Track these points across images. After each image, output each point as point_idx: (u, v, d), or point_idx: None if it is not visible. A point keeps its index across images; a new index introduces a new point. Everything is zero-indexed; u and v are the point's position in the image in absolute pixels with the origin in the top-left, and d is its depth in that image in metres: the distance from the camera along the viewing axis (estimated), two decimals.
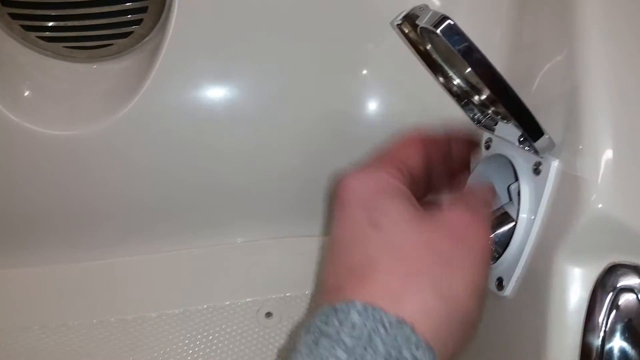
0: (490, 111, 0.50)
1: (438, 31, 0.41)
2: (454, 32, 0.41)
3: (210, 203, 0.67)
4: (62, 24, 0.62)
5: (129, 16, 0.62)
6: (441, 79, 0.52)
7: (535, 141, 0.45)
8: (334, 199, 0.39)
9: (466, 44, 0.41)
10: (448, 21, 0.41)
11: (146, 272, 0.68)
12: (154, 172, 0.64)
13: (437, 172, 0.45)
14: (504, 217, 0.51)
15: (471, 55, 0.42)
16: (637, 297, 0.41)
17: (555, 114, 0.47)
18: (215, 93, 0.64)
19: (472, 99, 0.51)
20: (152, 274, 0.68)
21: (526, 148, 0.47)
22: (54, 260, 0.69)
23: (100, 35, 0.63)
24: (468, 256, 0.37)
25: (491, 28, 0.61)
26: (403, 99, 0.63)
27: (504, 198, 0.52)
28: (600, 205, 0.41)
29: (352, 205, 0.38)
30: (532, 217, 0.47)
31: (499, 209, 0.52)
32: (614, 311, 0.41)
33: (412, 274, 0.35)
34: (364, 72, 0.64)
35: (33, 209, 0.67)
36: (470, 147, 0.51)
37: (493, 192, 0.48)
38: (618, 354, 0.41)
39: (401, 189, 0.39)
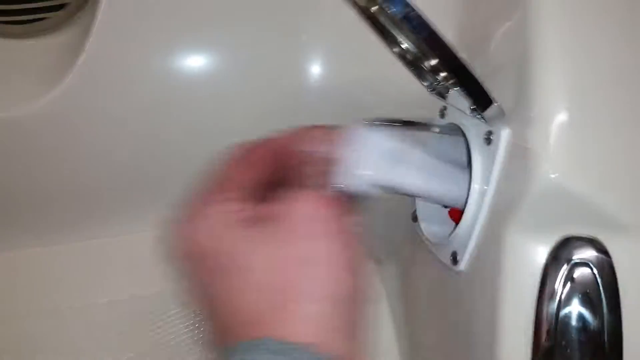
0: (440, 78, 0.47)
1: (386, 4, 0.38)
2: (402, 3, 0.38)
3: (153, 181, 0.64)
4: None
5: None
6: (390, 45, 0.50)
7: (484, 110, 0.43)
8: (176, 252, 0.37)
9: (409, 9, 0.38)
10: None
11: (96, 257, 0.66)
12: (96, 150, 0.62)
13: (288, 169, 0.41)
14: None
15: (414, 20, 0.39)
16: (592, 271, 0.39)
17: (506, 81, 0.45)
18: (151, 65, 0.61)
19: (423, 65, 0.49)
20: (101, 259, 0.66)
21: (477, 117, 0.45)
22: None
23: (32, 8, 0.59)
24: (318, 246, 0.35)
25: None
26: (349, 65, 0.60)
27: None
28: (552, 176, 0.40)
29: (200, 261, 0.36)
30: (485, 188, 0.45)
31: None
32: (568, 285, 0.40)
33: (282, 296, 0.33)
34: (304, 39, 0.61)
35: None
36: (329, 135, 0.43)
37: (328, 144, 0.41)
38: (573, 329, 0.39)
39: (237, 216, 0.36)
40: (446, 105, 0.52)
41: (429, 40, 0.39)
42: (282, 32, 0.62)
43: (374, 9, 0.47)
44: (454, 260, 0.47)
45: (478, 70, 0.48)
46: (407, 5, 0.38)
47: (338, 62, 0.61)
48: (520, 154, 0.42)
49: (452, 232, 0.47)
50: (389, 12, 0.39)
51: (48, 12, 0.59)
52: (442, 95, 0.50)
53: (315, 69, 0.61)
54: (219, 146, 0.61)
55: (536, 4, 0.45)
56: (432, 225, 0.53)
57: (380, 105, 0.60)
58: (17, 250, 0.67)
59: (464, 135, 0.48)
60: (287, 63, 0.63)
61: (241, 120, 0.63)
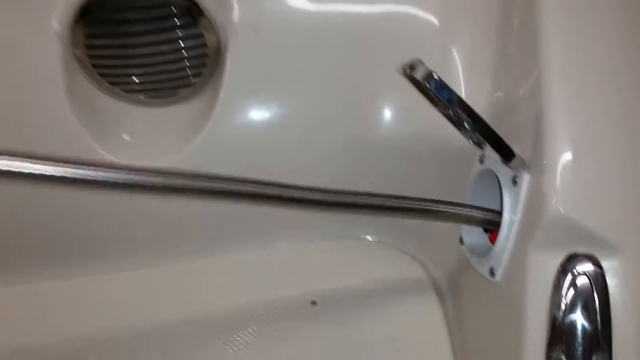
0: (476, 135, 0.63)
1: (427, 85, 0.55)
2: (438, 86, 0.54)
3: (256, 214, 0.83)
4: (140, 79, 0.78)
5: (193, 70, 0.78)
6: (439, 109, 0.65)
7: (508, 162, 0.58)
8: None
9: (447, 95, 0.54)
10: (435, 77, 0.54)
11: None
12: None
13: None
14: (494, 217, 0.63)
15: (452, 102, 0.55)
16: (589, 280, 0.54)
17: (525, 135, 0.60)
18: (264, 124, 0.79)
19: (463, 124, 0.64)
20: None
21: (505, 165, 0.60)
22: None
23: (171, 85, 0.79)
24: None
25: (480, 61, 0.75)
26: (411, 123, 0.77)
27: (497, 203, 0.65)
28: (561, 210, 0.54)
29: None
30: (513, 217, 0.60)
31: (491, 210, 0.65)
32: (572, 290, 0.54)
33: None
34: (381, 101, 0.78)
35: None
36: None
37: None
38: (575, 324, 0.53)
39: None
40: (484, 154, 0.67)
41: (461, 110, 0.55)
42: (356, 86, 0.79)
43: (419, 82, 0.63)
44: (492, 273, 0.62)
45: (506, 126, 0.63)
46: (448, 90, 0.54)
47: (399, 116, 0.78)
48: (538, 193, 0.57)
49: (489, 251, 0.62)
50: (428, 87, 0.55)
51: (182, 87, 0.79)
52: (480, 146, 0.65)
53: (381, 121, 0.78)
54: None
55: (547, 68, 0.60)
56: (474, 246, 0.68)
57: (433, 152, 0.76)
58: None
59: (497, 177, 0.63)
60: (358, 115, 0.80)
61: (323, 166, 0.81)
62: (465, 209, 0.63)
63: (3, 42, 0.74)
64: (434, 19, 0.77)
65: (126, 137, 0.79)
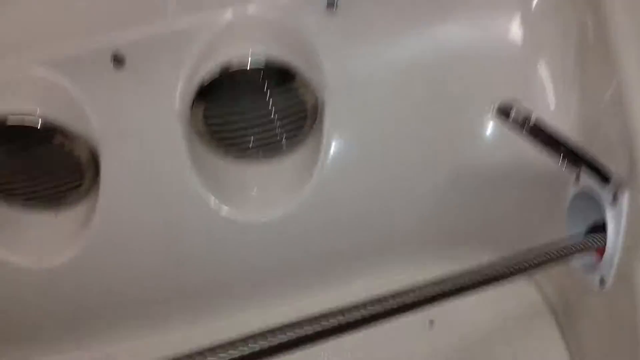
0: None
1: (524, 131, 0.61)
2: (535, 130, 0.61)
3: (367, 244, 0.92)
4: (253, 144, 0.88)
5: (295, 126, 0.87)
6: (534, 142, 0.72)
7: (606, 183, 0.64)
8: None
9: (545, 138, 0.61)
10: (531, 121, 0.61)
11: None
12: (328, 232, 0.90)
13: None
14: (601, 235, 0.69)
15: (546, 140, 0.62)
16: None
17: (620, 152, 0.66)
18: (364, 161, 0.88)
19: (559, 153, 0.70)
20: None
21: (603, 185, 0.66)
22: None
23: (276, 143, 0.89)
24: None
25: (565, 77, 0.80)
26: (507, 150, 0.84)
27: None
28: None
29: None
30: (618, 232, 0.66)
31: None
32: None
33: None
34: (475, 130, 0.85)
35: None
36: None
37: None
38: None
39: None
40: (580, 173, 0.73)
41: (565, 152, 0.61)
42: (448, 118, 0.87)
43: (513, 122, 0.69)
44: (602, 282, 0.68)
45: (599, 143, 0.69)
46: (545, 133, 0.61)
47: (494, 144, 0.85)
48: (637, 210, 0.63)
49: (598, 263, 0.68)
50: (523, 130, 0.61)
51: (287, 144, 0.89)
52: (576, 166, 0.71)
53: (478, 151, 0.85)
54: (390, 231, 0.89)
55: (626, 82, 0.65)
56: (582, 260, 0.74)
57: (528, 175, 0.82)
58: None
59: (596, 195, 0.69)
60: (454, 148, 0.87)
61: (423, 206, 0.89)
62: (570, 245, 0.68)
63: (132, 123, 0.85)
64: (517, 39, 0.83)
65: (251, 192, 0.89)
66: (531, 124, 0.61)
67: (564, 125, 0.73)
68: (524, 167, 0.82)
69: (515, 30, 0.84)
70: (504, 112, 0.66)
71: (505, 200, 0.87)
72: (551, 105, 0.81)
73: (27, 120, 0.80)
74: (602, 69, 0.72)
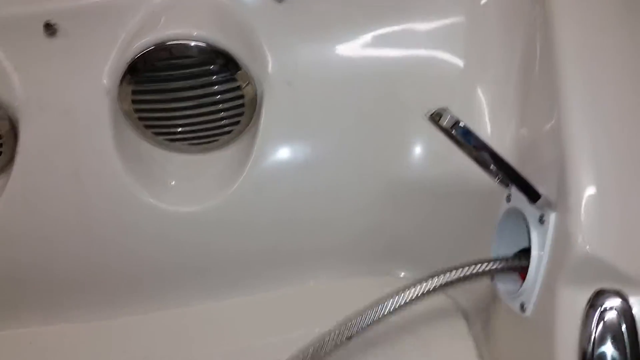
0: (501, 176, 0.66)
1: (453, 132, 0.58)
2: (464, 133, 0.58)
3: (291, 250, 0.87)
4: (182, 129, 0.83)
5: (230, 119, 0.83)
6: (466, 152, 0.69)
7: (534, 202, 0.61)
8: None
9: (473, 142, 0.58)
10: (460, 125, 0.58)
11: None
12: (252, 231, 0.85)
13: None
14: (523, 256, 0.66)
15: (478, 147, 0.59)
16: (617, 314, 0.56)
17: (550, 175, 0.63)
18: (298, 167, 0.84)
19: (489, 166, 0.67)
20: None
21: (532, 204, 0.63)
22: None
23: (210, 134, 0.84)
24: None
25: (505, 101, 0.78)
26: (440, 164, 0.81)
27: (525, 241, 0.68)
28: (587, 248, 0.57)
29: None
30: (541, 254, 0.63)
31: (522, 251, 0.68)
32: (601, 325, 0.56)
33: None
34: (411, 144, 0.82)
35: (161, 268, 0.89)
36: None
37: None
38: (605, 358, 0.55)
39: None
40: (511, 193, 0.70)
41: (487, 154, 0.59)
42: (387, 130, 0.83)
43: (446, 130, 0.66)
44: (522, 308, 0.64)
45: (532, 166, 0.66)
46: (467, 131, 0.58)
47: (428, 158, 0.82)
48: (565, 232, 0.60)
49: (520, 287, 0.65)
50: (455, 134, 0.58)
51: (220, 135, 0.84)
52: (507, 185, 0.68)
53: (411, 163, 0.82)
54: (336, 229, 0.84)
55: (566, 108, 0.62)
56: (505, 282, 0.70)
57: (462, 192, 0.79)
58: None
59: (524, 216, 0.65)
60: (389, 158, 0.84)
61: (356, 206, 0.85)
62: (495, 264, 0.66)
63: (56, 94, 0.80)
64: (459, 62, 0.81)
65: (171, 182, 0.84)
66: (460, 129, 0.58)
67: (498, 149, 0.71)
68: (458, 185, 0.79)
69: (461, 52, 0.81)
70: (436, 118, 0.64)
71: (439, 217, 0.84)
72: (489, 129, 0.78)
73: None
74: (545, 96, 0.70)
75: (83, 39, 0.79)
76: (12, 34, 0.80)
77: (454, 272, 0.65)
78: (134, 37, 0.78)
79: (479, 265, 0.65)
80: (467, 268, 0.65)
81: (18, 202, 0.82)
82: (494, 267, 0.66)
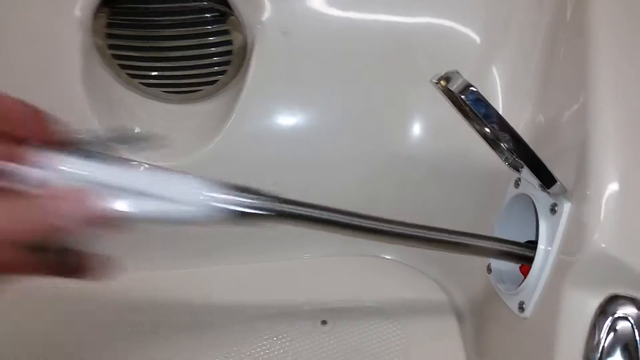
0: (514, 156, 0.58)
1: (463, 97, 0.50)
2: (476, 98, 0.50)
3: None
4: (161, 73, 0.75)
5: (216, 68, 0.74)
6: (475, 125, 0.61)
7: (548, 188, 0.53)
8: None
9: (485, 111, 0.49)
10: (471, 89, 0.50)
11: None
12: None
13: None
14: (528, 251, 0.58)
15: (490, 117, 0.50)
16: (632, 325, 0.48)
17: (569, 162, 0.55)
18: (285, 128, 0.75)
19: (500, 144, 0.59)
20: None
21: (544, 191, 0.55)
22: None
23: (192, 82, 0.75)
24: None
25: (522, 82, 0.70)
26: (442, 140, 0.72)
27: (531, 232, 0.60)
28: (602, 245, 0.49)
29: None
30: (549, 249, 0.55)
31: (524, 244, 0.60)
32: (611, 335, 0.48)
33: None
34: (412, 114, 0.74)
35: None
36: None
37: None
38: None
39: None
40: (520, 177, 0.62)
41: (499, 127, 0.50)
42: (387, 99, 0.75)
43: (455, 95, 0.58)
44: (521, 308, 0.56)
45: (548, 151, 0.58)
46: (485, 104, 0.50)
47: (430, 132, 0.73)
48: (578, 224, 0.52)
49: (520, 284, 0.57)
50: (464, 101, 0.50)
51: (203, 85, 0.76)
52: (516, 169, 0.60)
53: (410, 135, 0.74)
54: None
55: (594, 91, 0.54)
56: (503, 275, 0.62)
57: (464, 172, 0.71)
58: None
59: (533, 203, 0.57)
60: (386, 127, 0.75)
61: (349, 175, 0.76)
62: (498, 244, 0.58)
63: (24, 23, 0.72)
64: (475, 36, 0.73)
65: (139, 131, 0.76)
66: (472, 94, 0.50)
67: None
68: (461, 164, 0.71)
69: (479, 26, 0.73)
70: (446, 80, 0.55)
71: (437, 199, 0.76)
72: (501, 111, 0.70)
73: None
74: (570, 79, 0.61)
75: None
76: None
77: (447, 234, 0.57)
78: None
79: (476, 238, 0.57)
80: (462, 236, 0.56)
81: None
82: (493, 246, 0.58)
